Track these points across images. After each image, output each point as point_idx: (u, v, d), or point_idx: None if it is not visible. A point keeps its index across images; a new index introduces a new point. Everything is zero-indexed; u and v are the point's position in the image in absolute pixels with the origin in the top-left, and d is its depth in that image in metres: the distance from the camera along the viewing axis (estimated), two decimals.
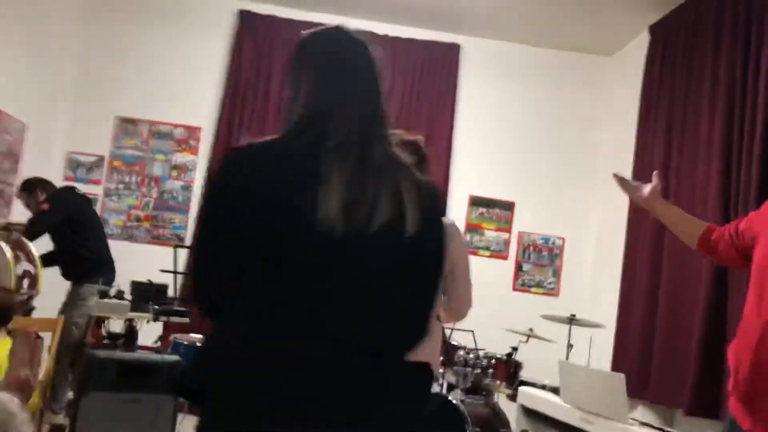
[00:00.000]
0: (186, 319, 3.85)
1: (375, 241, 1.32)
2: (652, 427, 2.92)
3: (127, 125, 6.00)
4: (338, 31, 1.50)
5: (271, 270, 1.29)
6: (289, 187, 1.32)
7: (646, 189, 2.50)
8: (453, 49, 6.16)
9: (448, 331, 4.09)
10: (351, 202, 1.30)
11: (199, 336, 4.77)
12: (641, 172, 5.14)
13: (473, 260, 6.06)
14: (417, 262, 1.38)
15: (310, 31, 1.52)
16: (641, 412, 4.58)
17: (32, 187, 4.63)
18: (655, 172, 2.56)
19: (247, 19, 6.06)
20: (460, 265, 2.76)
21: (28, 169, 5.41)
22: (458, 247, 2.69)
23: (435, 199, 1.48)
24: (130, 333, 3.71)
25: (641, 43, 5.49)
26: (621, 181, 2.64)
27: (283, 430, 1.24)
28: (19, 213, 5.16)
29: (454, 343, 4.61)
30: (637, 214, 5.08)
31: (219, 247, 1.35)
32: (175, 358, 3.60)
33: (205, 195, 1.19)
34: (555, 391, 3.85)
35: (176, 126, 6.04)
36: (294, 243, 1.29)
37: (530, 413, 3.55)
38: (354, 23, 5.65)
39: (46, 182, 4.71)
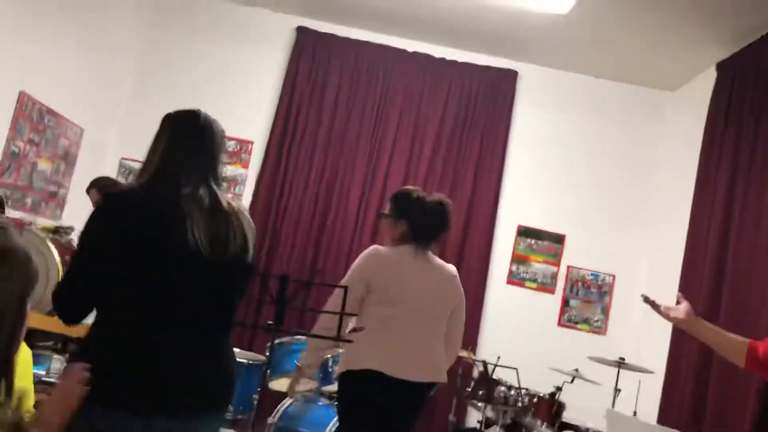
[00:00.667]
0: None
1: (229, 265, 1.94)
2: None
3: None
4: (194, 111, 2.11)
5: (148, 282, 1.79)
6: (159, 219, 1.84)
7: (681, 311, 2.46)
8: (510, 76, 6.06)
9: (490, 367, 3.96)
10: (213, 235, 1.89)
11: (236, 350, 4.72)
12: (700, 213, 4.94)
13: (520, 291, 5.97)
14: (246, 280, 2.04)
15: (176, 110, 2.13)
16: None
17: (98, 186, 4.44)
18: (678, 294, 2.52)
19: (304, 36, 6.07)
20: (461, 306, 3.20)
21: (82, 173, 5.49)
22: (461, 292, 3.19)
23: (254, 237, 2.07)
24: None
25: (707, 80, 5.31)
26: (652, 304, 2.62)
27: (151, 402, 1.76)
28: (74, 215, 5.23)
29: (496, 378, 4.48)
30: (693, 254, 4.89)
31: (93, 268, 1.80)
32: None
33: (87, 228, 1.44)
34: None
35: (229, 139, 6.06)
36: (169, 261, 1.82)
37: None
38: (410, 45, 5.64)
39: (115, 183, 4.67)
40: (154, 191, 1.88)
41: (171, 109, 6.82)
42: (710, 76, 5.24)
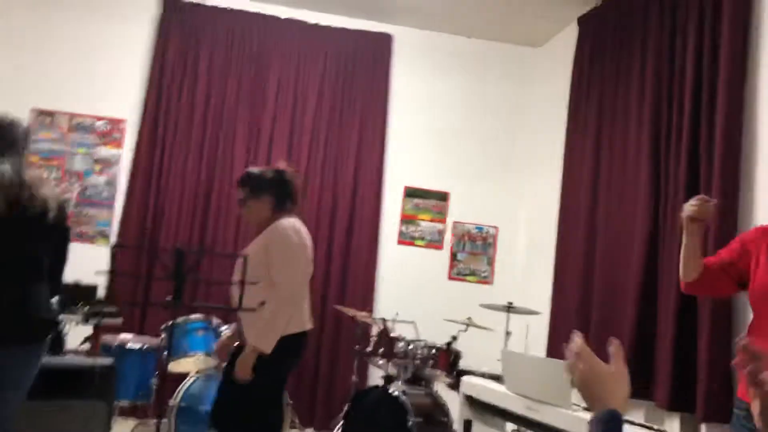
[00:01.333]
0: (119, 320, 3.68)
1: (28, 222, 2.42)
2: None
3: (44, 117, 5.69)
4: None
5: None
6: None
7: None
8: (385, 39, 6.11)
9: (390, 324, 4.06)
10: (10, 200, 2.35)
11: (130, 336, 4.58)
12: (572, 164, 5.25)
13: (410, 250, 6.12)
14: (49, 235, 2.57)
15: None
16: (575, 398, 4.69)
17: None
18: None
19: (171, 6, 5.83)
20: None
21: None
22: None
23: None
24: (57, 337, 3.51)
25: (570, 35, 5.60)
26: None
27: None
28: None
29: (394, 335, 4.60)
30: (568, 200, 5.19)
31: None
32: (108, 361, 3.43)
33: None
34: (495, 378, 3.88)
35: (99, 118, 5.77)
36: None
37: (474, 402, 3.56)
38: (283, 11, 5.58)
39: None
40: None
41: (28, 90, 6.47)
42: (573, 30, 5.52)
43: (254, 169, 3.48)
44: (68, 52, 5.73)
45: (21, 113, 5.55)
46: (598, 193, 4.77)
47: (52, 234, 2.55)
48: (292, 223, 3.31)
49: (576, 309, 4.76)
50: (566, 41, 5.67)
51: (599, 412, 1.25)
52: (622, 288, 4.24)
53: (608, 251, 4.50)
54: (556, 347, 4.97)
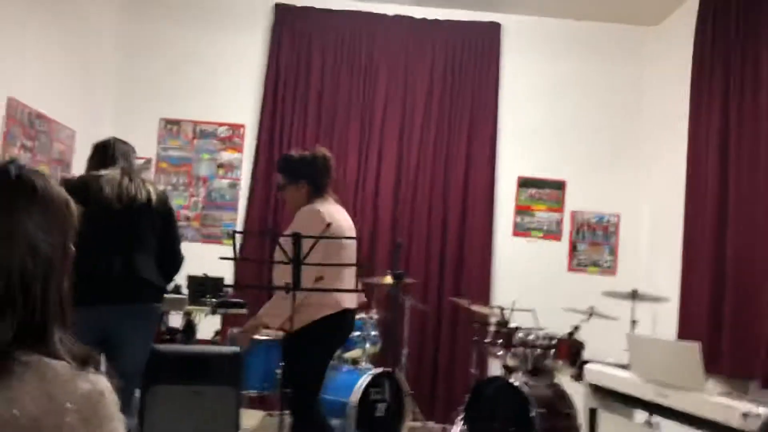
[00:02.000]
0: (243, 310, 3.84)
1: (137, 211, 3.00)
2: (732, 395, 2.78)
3: (171, 126, 6.05)
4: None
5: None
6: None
7: None
8: (493, 28, 6.05)
9: (507, 313, 4.00)
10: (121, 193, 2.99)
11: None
12: (697, 145, 4.96)
13: (527, 242, 6.00)
14: (154, 221, 3.10)
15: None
16: (713, 387, 4.42)
17: None
18: None
19: (283, 13, 6.05)
20: None
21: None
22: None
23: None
24: (189, 327, 3.72)
25: (689, 10, 5.30)
26: None
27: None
28: None
29: (513, 325, 4.53)
30: (694, 183, 4.91)
31: None
32: (234, 349, 3.59)
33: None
34: (622, 367, 3.73)
35: (220, 125, 6.07)
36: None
37: (599, 390, 3.44)
38: (390, 8, 5.64)
39: None
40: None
41: (157, 102, 6.84)
42: (692, 5, 5.23)
43: (292, 154, 3.51)
44: (189, 63, 6.07)
45: (152, 123, 5.99)
46: (728, 173, 4.48)
47: (156, 218, 3.07)
48: (316, 207, 3.28)
49: (708, 294, 4.48)
50: (685, 17, 5.36)
51: None
52: (759, 269, 3.96)
53: (741, 232, 4.22)
54: (687, 335, 4.70)
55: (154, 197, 3.08)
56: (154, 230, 3.08)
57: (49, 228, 1.02)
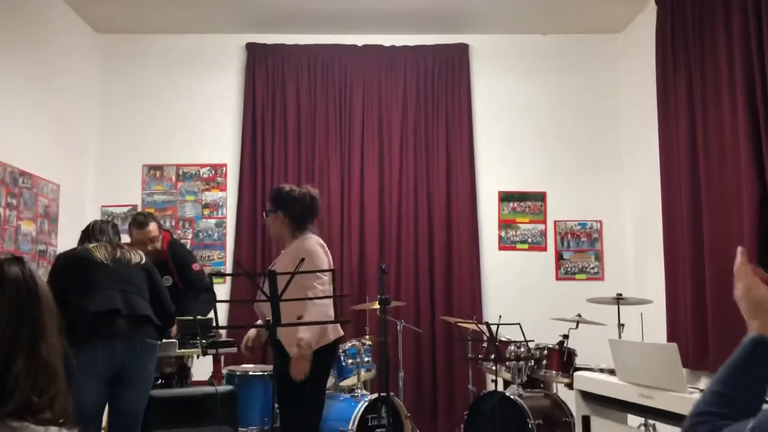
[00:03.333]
0: (234, 349, 3.89)
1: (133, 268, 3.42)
2: None
3: (154, 171, 6.13)
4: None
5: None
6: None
7: None
8: (462, 49, 6.17)
9: (494, 327, 4.06)
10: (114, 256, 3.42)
11: (251, 366, 4.82)
12: (668, 147, 5.06)
13: (513, 255, 6.07)
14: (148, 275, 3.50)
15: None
16: (704, 383, 4.48)
17: (161, 226, 4.59)
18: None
19: (255, 51, 6.16)
20: None
21: (66, 228, 5.56)
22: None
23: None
24: (182, 370, 3.76)
25: (649, 16, 5.44)
26: None
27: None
28: None
29: (503, 339, 4.59)
30: (670, 185, 5.01)
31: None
32: (229, 388, 3.64)
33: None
34: (612, 373, 3.79)
35: (202, 166, 6.15)
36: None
37: (589, 397, 3.49)
38: (360, 39, 5.77)
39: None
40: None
41: (139, 149, 6.92)
42: (652, 10, 5.37)
43: (283, 186, 3.65)
44: (168, 109, 6.17)
45: (135, 170, 6.07)
46: (699, 172, 4.58)
47: (143, 272, 3.45)
48: (317, 240, 3.48)
49: (691, 294, 4.56)
50: (647, 22, 5.51)
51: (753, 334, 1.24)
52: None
53: (716, 230, 4.31)
54: (675, 335, 4.77)
55: (138, 258, 3.48)
56: (144, 282, 3.42)
57: (8, 308, 1.13)
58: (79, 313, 3.09)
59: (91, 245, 3.41)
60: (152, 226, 4.34)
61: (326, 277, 3.25)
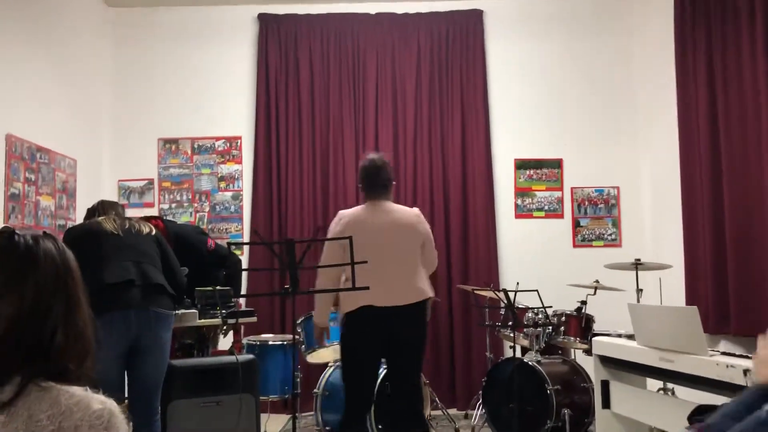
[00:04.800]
0: (254, 318, 3.92)
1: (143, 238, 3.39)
2: (735, 355, 2.84)
3: (170, 145, 6.15)
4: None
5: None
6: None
7: None
8: (475, 15, 6.09)
9: (511, 294, 4.06)
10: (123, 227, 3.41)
11: (270, 335, 4.87)
12: (687, 108, 4.99)
13: (529, 222, 6.06)
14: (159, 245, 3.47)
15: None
16: (724, 347, 4.46)
17: None
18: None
19: (267, 22, 6.12)
20: (429, 238, 3.68)
21: (83, 203, 5.60)
22: (424, 227, 3.67)
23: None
24: (202, 340, 3.80)
25: None
26: None
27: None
28: None
29: (520, 306, 4.58)
30: (688, 149, 4.95)
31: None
32: (249, 357, 3.68)
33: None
34: (631, 338, 3.78)
35: (217, 139, 6.15)
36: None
37: (607, 362, 3.50)
38: (372, 7, 5.69)
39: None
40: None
41: (154, 123, 6.90)
42: None
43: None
44: (182, 82, 6.16)
45: (150, 144, 6.08)
46: (719, 135, 4.52)
47: (154, 243, 3.42)
48: (351, 211, 3.60)
49: (711, 258, 4.52)
50: None
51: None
52: (758, 226, 4.00)
53: (737, 193, 4.26)
54: (694, 300, 4.75)
55: (148, 228, 3.47)
56: (156, 253, 3.40)
57: (46, 283, 1.17)
58: (93, 285, 3.02)
59: (100, 218, 3.40)
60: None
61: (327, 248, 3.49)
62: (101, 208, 3.52)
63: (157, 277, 3.26)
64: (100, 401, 1.11)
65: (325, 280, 3.48)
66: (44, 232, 1.26)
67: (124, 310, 3.09)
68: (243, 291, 5.21)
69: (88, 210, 3.60)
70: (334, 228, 3.55)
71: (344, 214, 3.60)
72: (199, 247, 4.08)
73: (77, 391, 1.11)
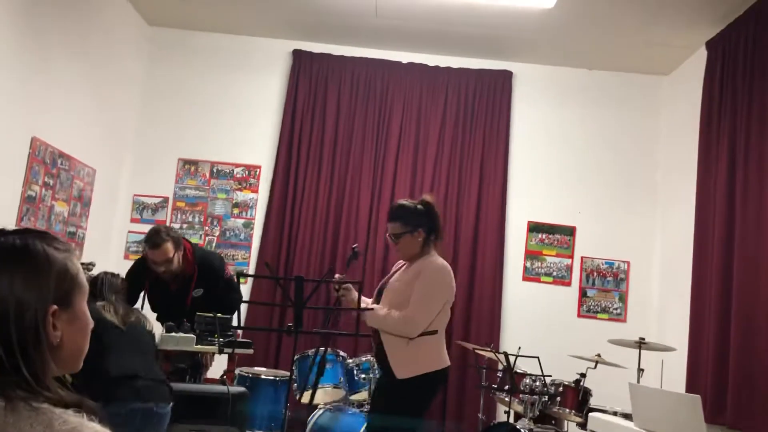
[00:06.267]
0: (250, 350, 3.89)
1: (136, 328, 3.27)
2: None
3: (189, 166, 6.20)
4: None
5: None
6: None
7: None
8: (505, 76, 6.17)
9: (512, 358, 4.01)
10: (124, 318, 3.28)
11: (263, 369, 4.82)
12: (705, 193, 4.99)
13: (536, 286, 6.01)
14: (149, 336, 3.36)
15: None
16: None
17: (179, 242, 3.97)
18: None
19: (301, 58, 6.22)
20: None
21: (97, 213, 5.63)
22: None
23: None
24: (196, 366, 3.76)
25: (698, 60, 5.39)
26: None
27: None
28: (92, 255, 5.35)
29: (519, 371, 4.53)
30: (703, 233, 4.93)
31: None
32: (241, 389, 3.63)
33: None
34: (627, 417, 3.72)
35: (236, 165, 6.20)
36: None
37: None
38: (404, 56, 5.78)
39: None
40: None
41: (177, 143, 6.95)
42: (701, 55, 5.32)
43: (405, 202, 3.37)
44: (209, 106, 6.25)
45: (170, 163, 6.13)
46: (734, 222, 4.50)
47: (152, 339, 3.35)
48: (445, 263, 3.27)
49: (714, 347, 4.47)
50: (695, 66, 5.45)
51: None
52: (763, 323, 3.95)
53: (746, 283, 4.22)
54: (695, 385, 4.67)
55: (150, 325, 3.37)
56: (152, 349, 3.35)
57: (28, 287, 1.10)
58: (95, 374, 2.87)
59: (98, 304, 3.20)
60: (167, 246, 3.80)
61: None
62: (101, 287, 3.32)
63: (160, 373, 3.21)
64: (94, 431, 1.08)
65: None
66: (37, 231, 1.18)
67: (128, 402, 2.95)
68: (242, 322, 5.19)
69: (90, 283, 3.43)
70: (449, 282, 3.26)
71: (448, 266, 3.29)
72: (219, 274, 4.08)
73: (71, 417, 1.06)
